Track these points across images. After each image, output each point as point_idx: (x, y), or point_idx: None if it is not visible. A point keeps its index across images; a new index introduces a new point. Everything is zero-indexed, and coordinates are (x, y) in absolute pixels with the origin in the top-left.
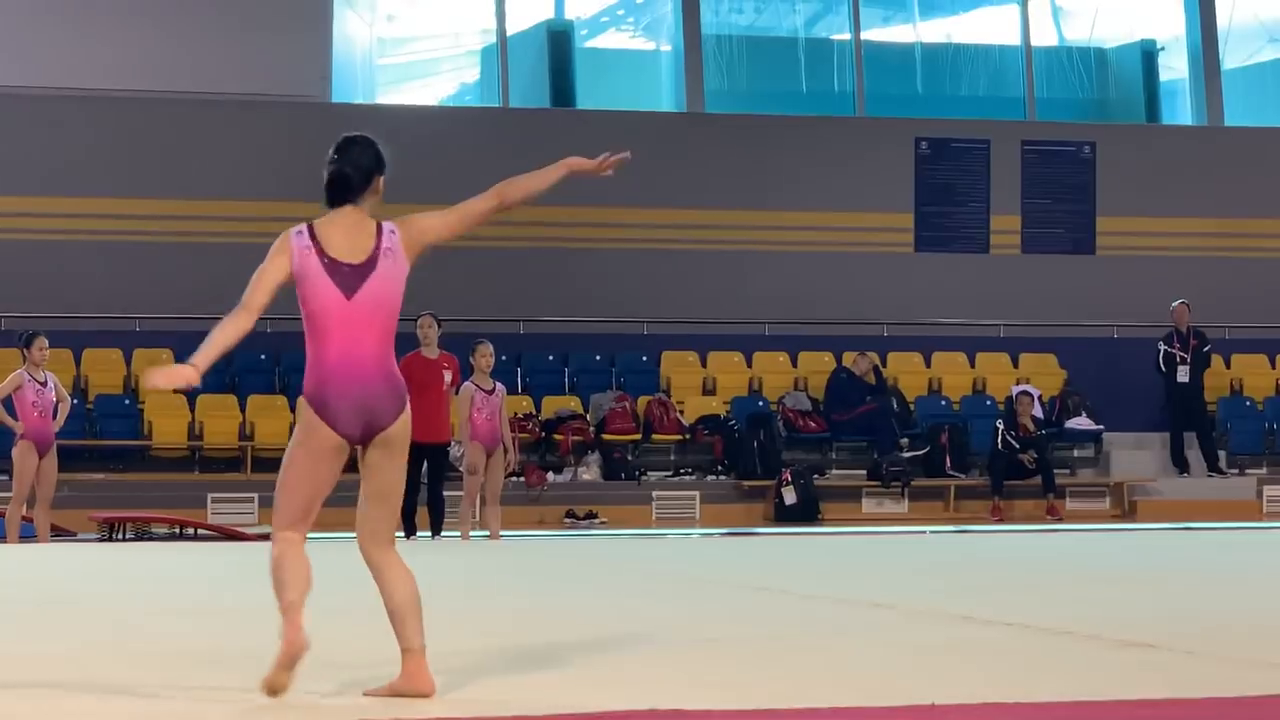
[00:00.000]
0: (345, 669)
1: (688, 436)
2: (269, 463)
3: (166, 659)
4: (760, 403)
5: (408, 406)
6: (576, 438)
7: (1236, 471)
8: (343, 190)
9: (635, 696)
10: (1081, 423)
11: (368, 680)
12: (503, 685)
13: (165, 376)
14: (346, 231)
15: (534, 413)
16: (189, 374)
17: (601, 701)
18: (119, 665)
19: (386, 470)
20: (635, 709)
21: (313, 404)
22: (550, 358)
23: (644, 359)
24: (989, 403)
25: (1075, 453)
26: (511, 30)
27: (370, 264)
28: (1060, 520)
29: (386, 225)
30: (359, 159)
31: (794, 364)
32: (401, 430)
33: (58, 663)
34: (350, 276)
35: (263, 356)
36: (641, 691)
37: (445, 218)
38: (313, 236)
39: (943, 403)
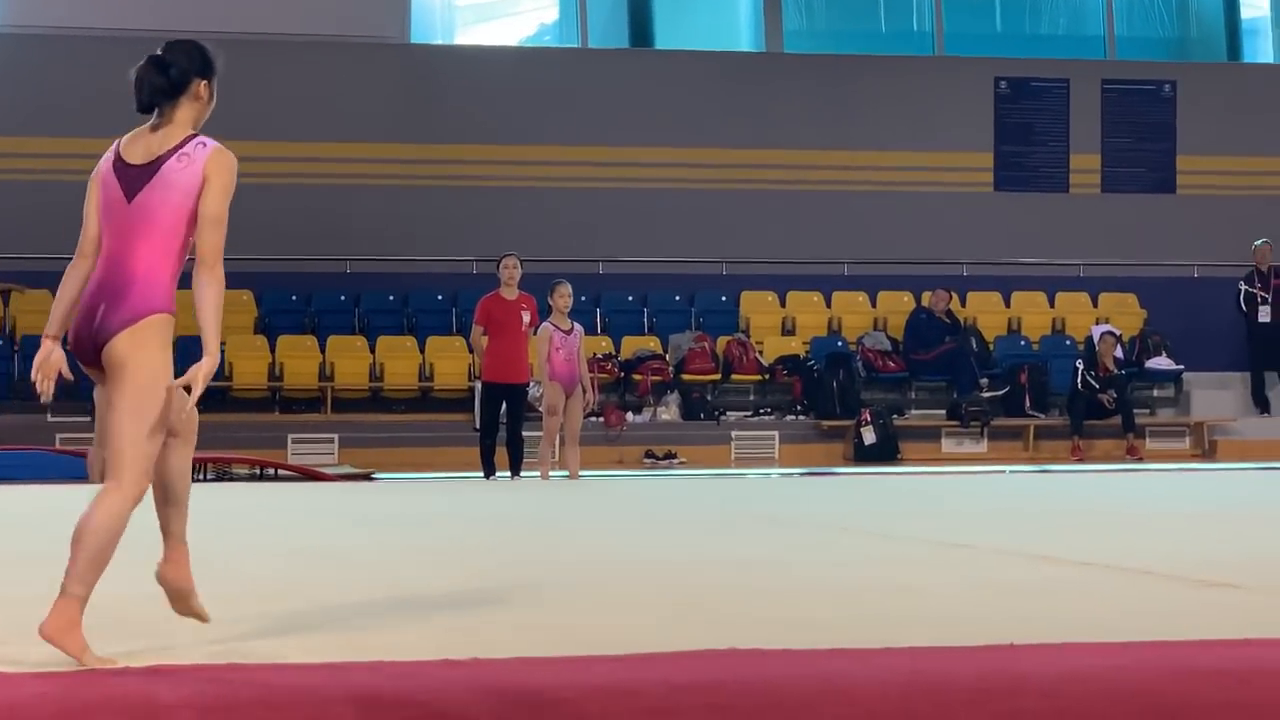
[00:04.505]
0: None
1: (767, 376)
2: (349, 403)
3: (249, 598)
4: (839, 343)
5: (148, 326)
6: (655, 378)
7: None
8: (146, 91)
9: (715, 636)
10: (1161, 362)
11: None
12: (580, 624)
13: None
14: (149, 135)
15: (613, 353)
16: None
17: (680, 640)
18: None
19: (112, 403)
20: (715, 648)
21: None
22: (629, 298)
23: (723, 299)
24: (1068, 342)
25: (1155, 392)
26: None
27: (155, 165)
28: (1140, 460)
29: (201, 139)
30: (169, 58)
31: (873, 304)
32: (126, 348)
33: (137, 600)
34: (135, 178)
35: (342, 297)
36: (722, 631)
37: (207, 209)
38: (119, 145)
39: (1022, 342)
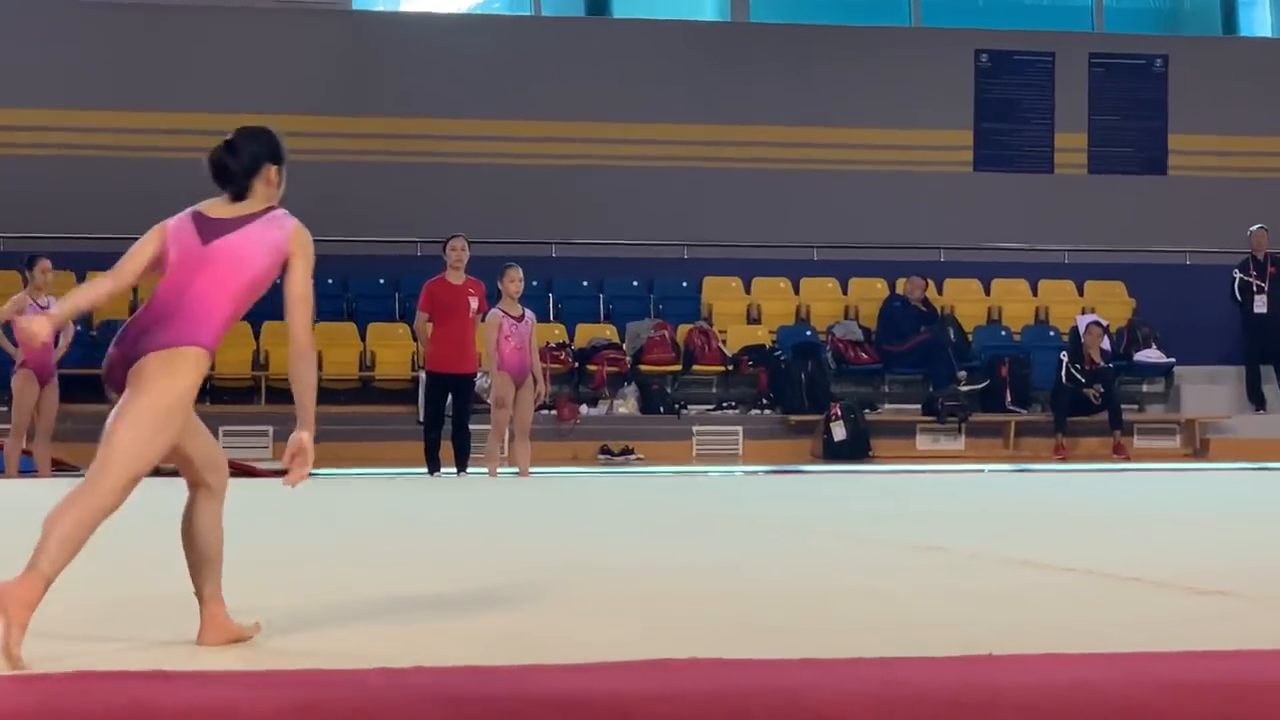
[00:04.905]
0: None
1: (730, 368)
2: (285, 394)
3: (174, 603)
4: (808, 332)
5: (185, 355)
6: (612, 368)
7: None
8: (222, 175)
9: (674, 645)
10: (1151, 355)
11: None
12: (529, 630)
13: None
14: (229, 204)
15: (566, 342)
16: (43, 325)
17: (637, 650)
18: (118, 608)
19: (122, 411)
20: (674, 657)
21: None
22: (584, 283)
23: (684, 285)
24: (1052, 333)
25: (1144, 387)
26: None
27: (238, 222)
28: (1127, 459)
29: (284, 211)
30: (240, 143)
31: (844, 291)
32: (156, 368)
33: (48, 605)
34: (215, 228)
35: (278, 281)
36: (679, 639)
37: (295, 289)
38: (197, 207)
39: (1003, 333)
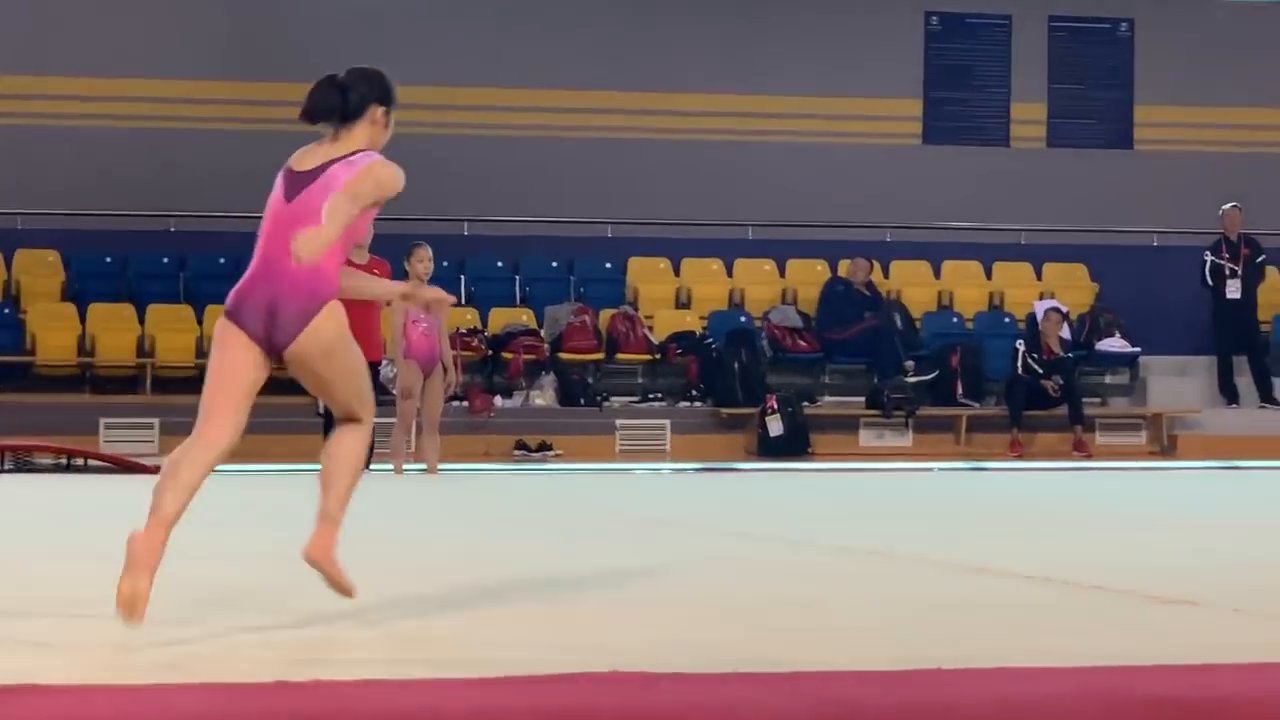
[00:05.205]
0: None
1: (657, 356)
2: (172, 383)
3: (51, 608)
4: (742, 318)
5: (318, 322)
6: (529, 356)
7: None
8: (322, 107)
9: (594, 657)
10: (1114, 344)
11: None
12: (437, 642)
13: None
14: (320, 148)
15: (479, 327)
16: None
17: (554, 661)
18: None
19: (319, 382)
20: (594, 670)
21: (229, 304)
22: (499, 263)
23: (607, 266)
24: (1007, 320)
25: (1107, 379)
26: None
27: (318, 171)
28: (1089, 457)
29: (365, 153)
30: (350, 83)
31: (781, 273)
32: (309, 347)
33: None
34: (299, 182)
35: (165, 260)
36: (601, 651)
37: (348, 185)
38: (290, 160)
39: (954, 320)
